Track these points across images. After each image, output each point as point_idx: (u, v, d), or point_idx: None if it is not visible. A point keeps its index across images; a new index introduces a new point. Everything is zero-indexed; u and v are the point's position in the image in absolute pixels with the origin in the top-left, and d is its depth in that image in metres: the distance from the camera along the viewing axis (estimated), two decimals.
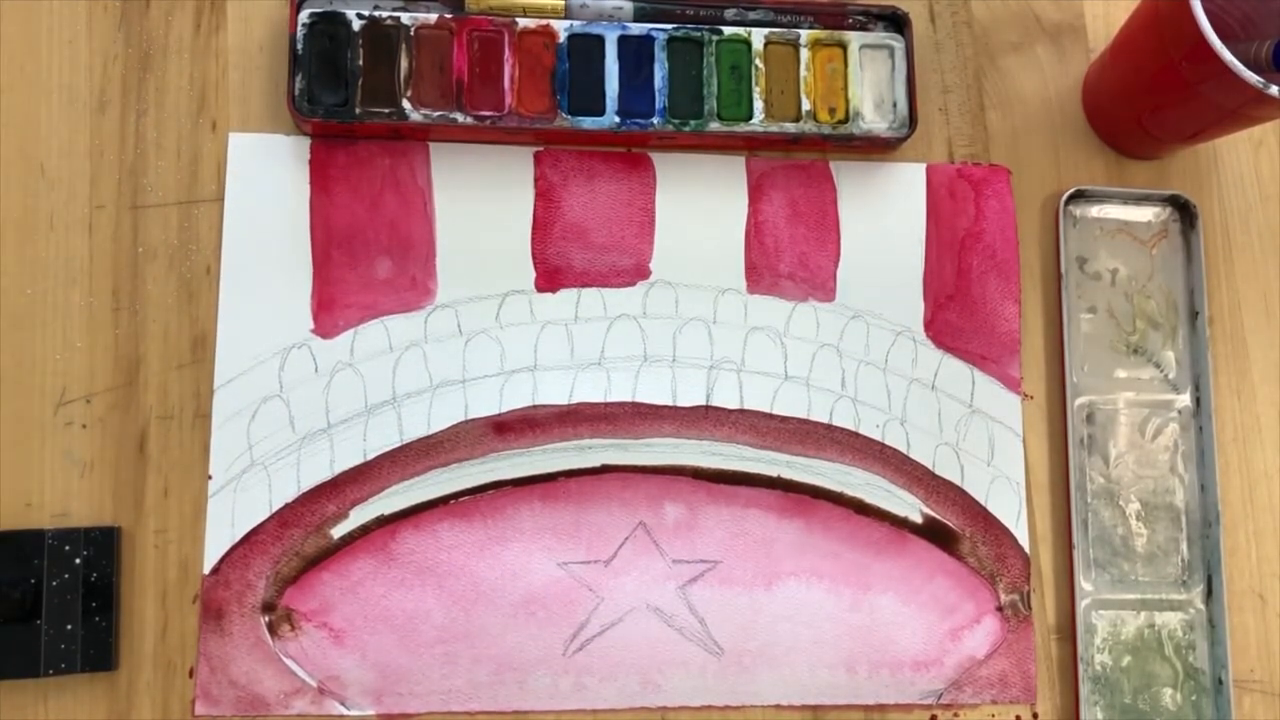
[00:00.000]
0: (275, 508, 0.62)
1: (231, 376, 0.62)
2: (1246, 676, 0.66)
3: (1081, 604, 0.65)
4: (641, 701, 0.62)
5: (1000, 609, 0.65)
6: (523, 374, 0.64)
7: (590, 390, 0.64)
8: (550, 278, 0.65)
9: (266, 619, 0.61)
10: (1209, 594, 0.66)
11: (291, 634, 0.61)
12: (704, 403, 0.65)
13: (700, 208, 0.67)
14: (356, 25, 0.64)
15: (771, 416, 0.65)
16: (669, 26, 0.66)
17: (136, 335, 0.62)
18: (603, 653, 0.62)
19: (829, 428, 0.66)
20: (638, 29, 0.66)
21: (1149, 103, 0.65)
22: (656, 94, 0.66)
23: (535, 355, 0.64)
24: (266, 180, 0.64)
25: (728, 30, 0.67)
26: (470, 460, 0.63)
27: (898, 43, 0.68)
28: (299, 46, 0.64)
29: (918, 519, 0.66)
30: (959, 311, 0.67)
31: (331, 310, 0.63)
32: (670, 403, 0.65)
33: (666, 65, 0.66)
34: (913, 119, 0.67)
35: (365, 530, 0.62)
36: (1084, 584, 0.66)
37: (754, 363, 0.66)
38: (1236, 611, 0.67)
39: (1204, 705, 0.66)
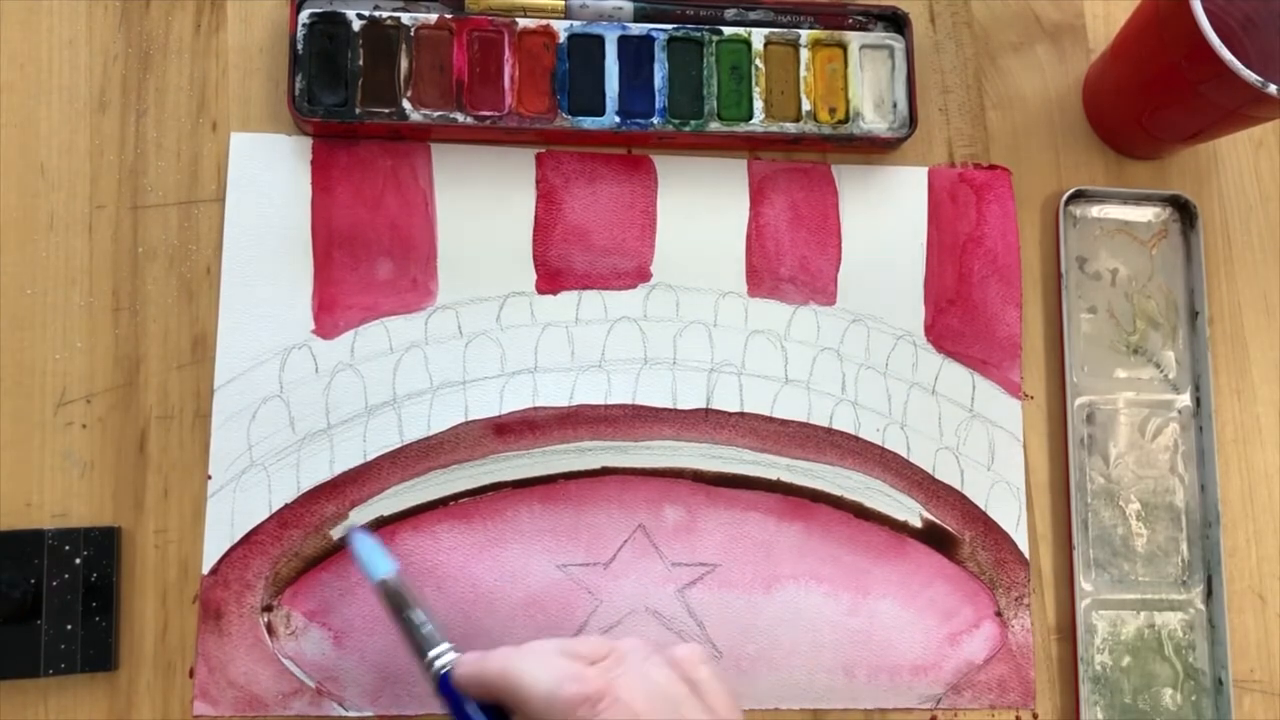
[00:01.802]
0: (275, 508, 0.62)
1: (231, 376, 0.62)
2: (1246, 676, 0.67)
3: (1081, 604, 0.65)
4: None
5: (999, 614, 0.65)
6: (523, 376, 0.64)
7: (590, 392, 0.64)
8: (551, 280, 0.65)
9: (265, 619, 0.61)
10: (1209, 594, 0.66)
11: (290, 635, 0.61)
12: (704, 405, 0.65)
13: (701, 211, 0.67)
14: (356, 25, 0.64)
15: (771, 420, 0.65)
16: (669, 26, 0.66)
17: (136, 335, 0.62)
18: None
19: (829, 431, 0.66)
20: (638, 29, 0.66)
21: (1149, 103, 0.65)
22: (656, 94, 0.66)
23: (536, 357, 0.64)
24: (267, 180, 0.64)
25: (728, 30, 0.67)
26: (470, 462, 0.63)
27: (898, 43, 0.68)
28: (299, 46, 0.63)
29: (917, 523, 0.66)
30: (960, 316, 0.67)
31: (332, 311, 0.63)
32: (670, 405, 0.65)
33: (666, 65, 0.66)
34: (913, 119, 0.67)
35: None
36: (1084, 584, 0.66)
37: (754, 366, 0.66)
38: (1236, 611, 0.67)
39: (1204, 705, 0.66)
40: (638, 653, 0.50)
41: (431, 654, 0.52)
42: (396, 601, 0.54)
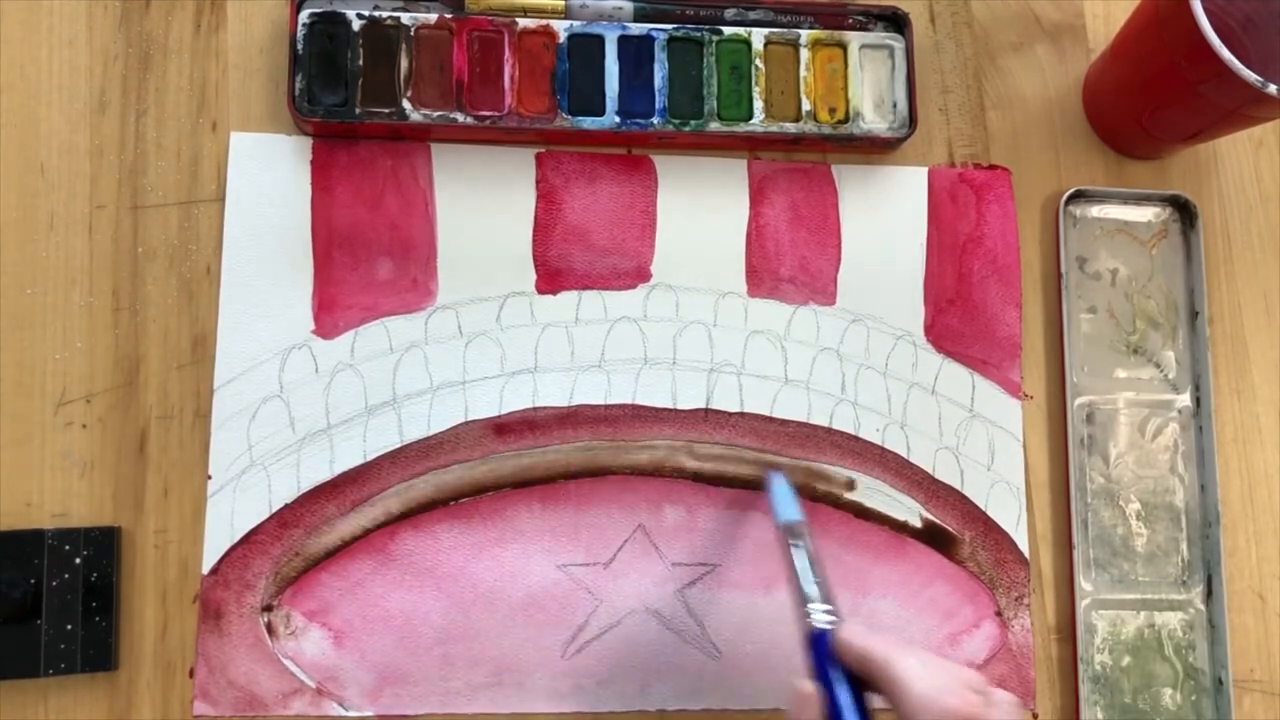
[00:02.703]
0: (275, 508, 0.62)
1: (231, 376, 0.62)
2: (1246, 676, 0.67)
3: (1081, 604, 0.65)
4: (640, 704, 0.62)
5: (999, 614, 0.65)
6: (523, 376, 0.64)
7: (590, 392, 0.64)
8: (551, 280, 0.65)
9: (265, 619, 0.61)
10: (1209, 594, 0.66)
11: (290, 634, 0.61)
12: (704, 405, 0.65)
13: (702, 211, 0.67)
14: (356, 25, 0.64)
15: (771, 420, 0.65)
16: (669, 26, 0.66)
17: (136, 335, 0.62)
18: (601, 655, 0.62)
19: (829, 431, 0.66)
20: (638, 29, 0.66)
21: (1149, 103, 0.65)
22: (656, 94, 0.66)
23: (536, 357, 0.64)
24: (268, 180, 0.64)
25: (728, 30, 0.67)
26: (470, 461, 0.63)
27: (898, 43, 0.68)
28: (299, 46, 0.63)
29: (917, 523, 0.66)
30: (960, 316, 0.67)
31: (332, 311, 0.63)
32: (670, 405, 0.65)
33: (666, 65, 0.66)
34: (913, 119, 0.67)
35: (365, 531, 0.62)
36: (1084, 584, 0.66)
37: (754, 366, 0.66)
38: (1236, 611, 0.67)
39: (1204, 705, 0.66)
40: (1014, 707, 0.50)
41: (811, 606, 0.54)
42: (795, 546, 0.57)
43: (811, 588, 0.55)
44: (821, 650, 0.51)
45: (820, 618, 0.53)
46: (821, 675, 0.51)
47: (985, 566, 0.66)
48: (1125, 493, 0.67)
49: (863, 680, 0.50)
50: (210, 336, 0.63)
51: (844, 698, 0.50)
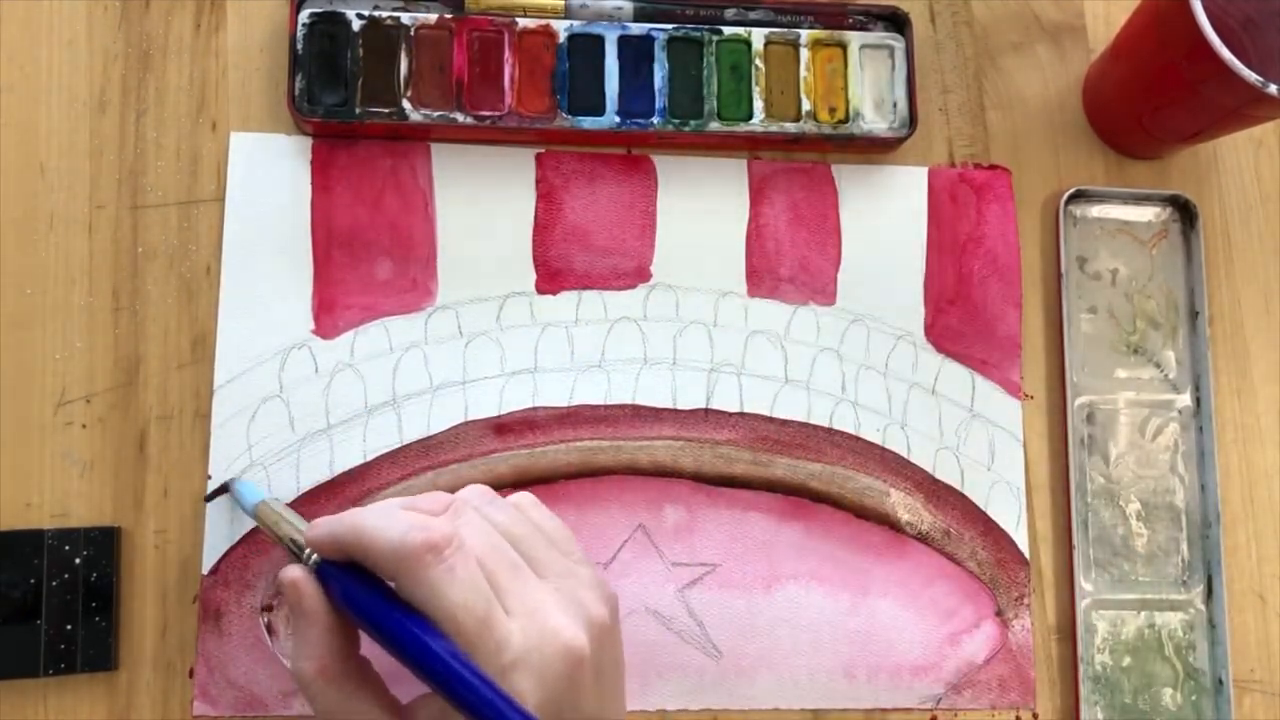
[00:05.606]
0: None
1: (231, 376, 0.62)
2: (1246, 676, 0.67)
3: (1081, 604, 0.65)
4: (640, 704, 0.62)
5: (999, 613, 0.65)
6: (523, 376, 0.64)
7: (590, 392, 0.64)
8: (551, 280, 0.65)
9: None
10: (1209, 594, 0.66)
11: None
12: (704, 405, 0.65)
13: (702, 211, 0.67)
14: (356, 25, 0.64)
15: (772, 420, 0.65)
16: (669, 26, 0.66)
17: (136, 335, 0.62)
18: None
19: (829, 431, 0.66)
20: (638, 29, 0.66)
21: (1149, 102, 0.65)
22: (656, 94, 0.66)
23: (535, 357, 0.64)
24: (268, 180, 0.64)
25: (728, 30, 0.67)
26: (470, 461, 0.63)
27: (898, 43, 0.68)
28: (299, 46, 0.63)
29: (917, 523, 0.65)
30: (960, 316, 0.67)
31: (332, 311, 0.63)
32: (670, 405, 0.65)
33: (666, 65, 0.66)
34: (913, 119, 0.67)
35: None
36: (1084, 584, 0.66)
37: (754, 366, 0.65)
38: (1236, 611, 0.67)
39: (1204, 705, 0.66)
40: (478, 498, 0.52)
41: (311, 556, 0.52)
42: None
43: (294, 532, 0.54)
44: (328, 576, 0.51)
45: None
46: (346, 598, 0.50)
47: (985, 566, 0.66)
48: (1125, 493, 0.67)
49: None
50: (210, 336, 0.63)
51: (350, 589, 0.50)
